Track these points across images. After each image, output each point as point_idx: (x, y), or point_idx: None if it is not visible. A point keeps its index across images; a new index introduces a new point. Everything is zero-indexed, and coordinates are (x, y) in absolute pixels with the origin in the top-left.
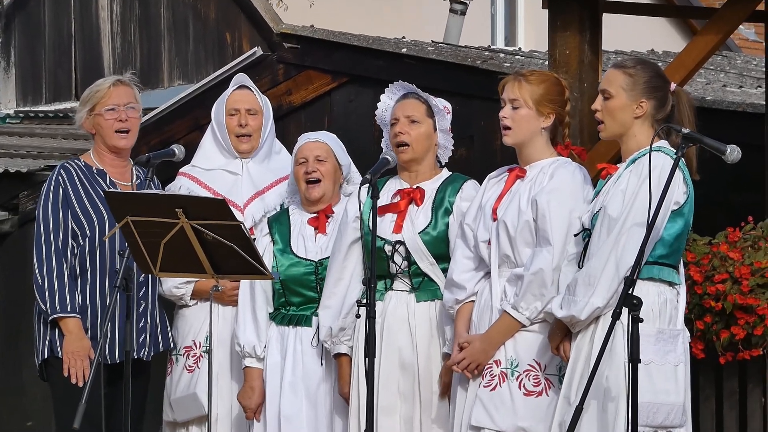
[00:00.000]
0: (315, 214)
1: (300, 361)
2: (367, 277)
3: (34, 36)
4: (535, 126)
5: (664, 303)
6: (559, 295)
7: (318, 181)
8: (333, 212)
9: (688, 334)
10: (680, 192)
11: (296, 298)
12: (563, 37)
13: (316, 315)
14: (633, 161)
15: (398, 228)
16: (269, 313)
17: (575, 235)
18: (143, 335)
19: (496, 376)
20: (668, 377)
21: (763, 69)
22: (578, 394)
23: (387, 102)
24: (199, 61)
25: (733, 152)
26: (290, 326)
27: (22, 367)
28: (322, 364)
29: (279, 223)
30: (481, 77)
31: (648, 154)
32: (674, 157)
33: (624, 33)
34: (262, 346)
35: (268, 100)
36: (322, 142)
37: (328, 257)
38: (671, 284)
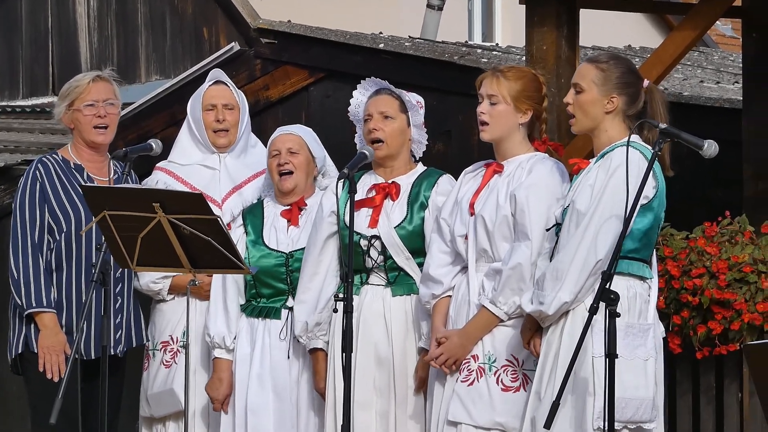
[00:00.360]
0: (288, 207)
1: (268, 354)
2: (345, 272)
3: (11, 31)
4: (512, 122)
5: (634, 297)
6: (529, 290)
7: (290, 173)
8: (306, 205)
9: (662, 328)
10: (649, 186)
11: (266, 290)
12: (540, 32)
13: (286, 308)
14: (602, 156)
15: (374, 222)
16: (240, 305)
17: (547, 230)
18: (119, 331)
19: (473, 371)
20: (637, 372)
21: (740, 65)
22: (548, 389)
23: (360, 98)
24: (177, 56)
25: (710, 147)
26: (260, 318)
27: (1, 360)
28: (289, 357)
29: (253, 215)
30: (459, 73)
31: (616, 150)
32: (642, 151)
33: (601, 29)
34: (232, 338)
35: (243, 95)
36: (296, 134)
37: (300, 249)
38: (642, 278)
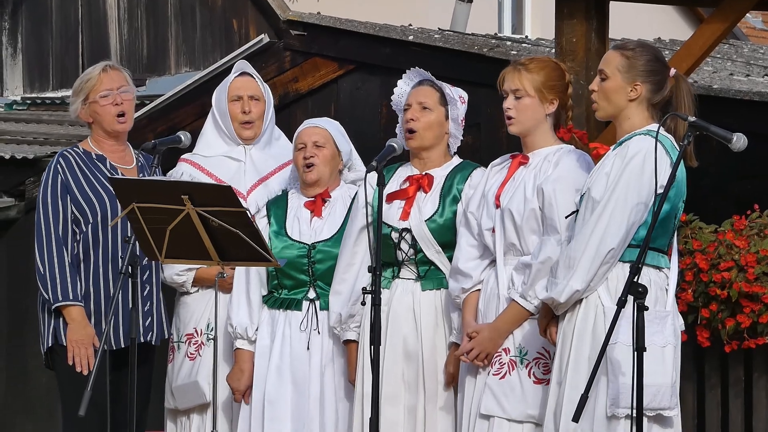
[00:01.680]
0: (312, 198)
1: (288, 345)
2: (372, 265)
3: (41, 22)
4: (539, 113)
5: (648, 285)
6: (545, 278)
7: (314, 165)
8: (330, 197)
9: (680, 320)
10: (665, 176)
11: (288, 281)
12: (570, 24)
13: (307, 299)
14: (620, 144)
15: (405, 215)
16: (263, 296)
17: (566, 217)
18: (149, 318)
19: (505, 364)
20: (655, 358)
21: None
22: (566, 379)
23: (403, 88)
24: (206, 48)
25: (739, 140)
26: (281, 310)
27: (27, 354)
28: (308, 348)
29: (277, 206)
30: (488, 65)
31: (634, 138)
32: (661, 140)
33: (631, 21)
34: (254, 329)
35: (268, 86)
36: (322, 127)
37: (322, 241)
38: (657, 268)
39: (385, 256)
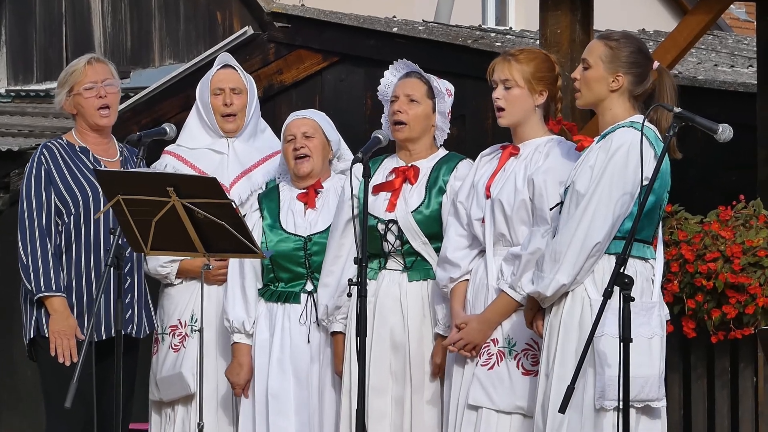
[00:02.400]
0: (304, 190)
1: (288, 338)
2: (358, 256)
3: (25, 15)
4: (529, 104)
5: (634, 276)
6: (530, 271)
7: (306, 156)
8: (322, 187)
9: (666, 310)
10: (649, 168)
11: (285, 274)
12: (554, 16)
13: (305, 292)
14: (604, 136)
15: (392, 207)
16: (258, 289)
17: (551, 209)
18: (129, 311)
19: (493, 355)
20: (641, 350)
21: (755, 48)
22: (553, 371)
23: (390, 79)
24: (190, 41)
25: (724, 131)
26: (279, 303)
27: (13, 345)
28: (308, 341)
29: (269, 199)
30: (473, 56)
31: (617, 131)
32: (645, 132)
33: (615, 12)
34: (251, 322)
35: (252, 78)
36: (310, 118)
37: (317, 233)
38: (643, 259)
39: (372, 248)
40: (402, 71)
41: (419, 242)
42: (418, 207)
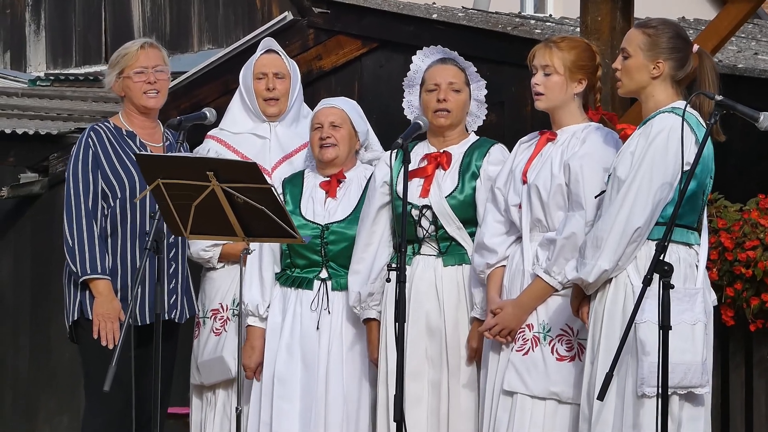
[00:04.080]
0: (327, 178)
1: (299, 324)
2: (398, 242)
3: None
4: (567, 92)
5: (677, 262)
6: (570, 258)
7: (333, 145)
8: (345, 177)
9: (713, 296)
10: (690, 153)
11: (301, 261)
12: (595, 3)
13: (319, 279)
14: (644, 123)
15: (425, 192)
16: (276, 273)
17: (596, 197)
18: (174, 296)
19: (528, 340)
20: (684, 336)
21: None
22: (597, 358)
23: (419, 64)
24: (229, 26)
25: (766, 119)
26: (292, 288)
27: (50, 327)
28: (318, 328)
29: (292, 184)
30: (512, 44)
31: (657, 116)
32: (686, 118)
33: (655, 0)
34: (266, 306)
35: (296, 63)
36: (338, 108)
37: (335, 222)
38: (687, 244)
39: (406, 233)
40: (432, 57)
41: (454, 227)
42: (452, 192)
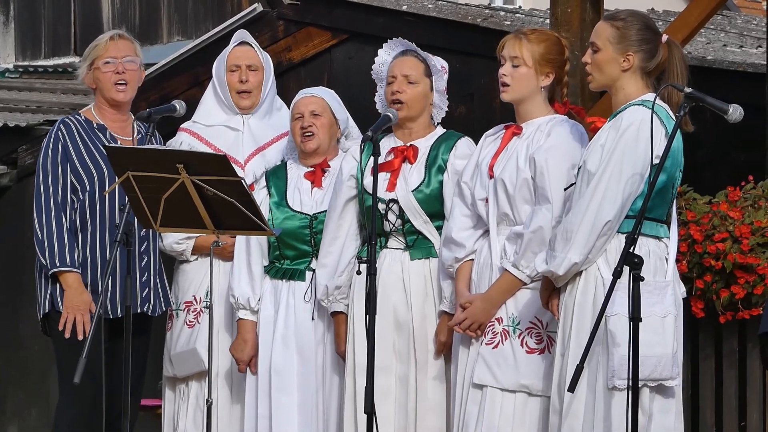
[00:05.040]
0: (311, 168)
1: (293, 315)
2: (367, 234)
3: None
4: (533, 84)
5: (647, 255)
6: (538, 251)
7: (313, 135)
8: (329, 166)
9: (682, 288)
10: (660, 146)
11: (290, 252)
12: None
13: (310, 269)
14: (615, 116)
15: (392, 186)
16: (264, 266)
17: (565, 189)
18: (146, 289)
19: (498, 333)
20: (654, 329)
21: (764, 29)
22: (568, 350)
23: (384, 57)
24: (199, 17)
25: (735, 112)
26: (284, 280)
27: (20, 320)
28: (313, 318)
29: (276, 176)
30: (482, 35)
31: (627, 109)
32: (656, 110)
33: None
34: (257, 299)
35: (269, 56)
36: (318, 96)
37: (324, 211)
38: (656, 237)
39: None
40: (396, 50)
41: (420, 221)
42: (419, 186)
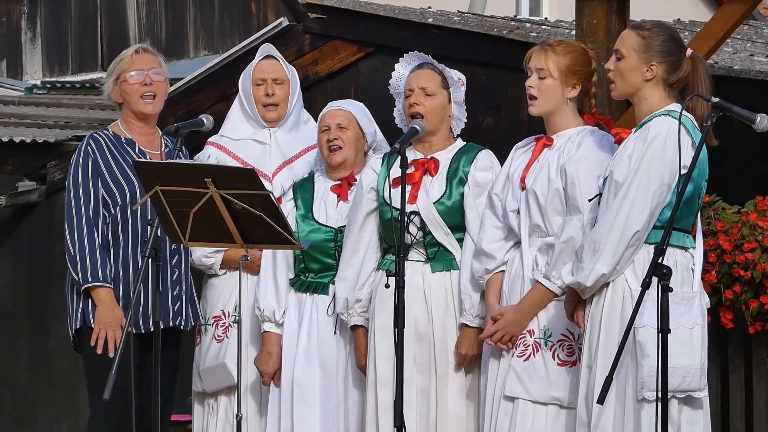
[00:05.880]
0: (338, 182)
1: (315, 329)
2: (395, 247)
3: (60, 6)
4: (560, 96)
5: (674, 265)
6: (568, 262)
7: (339, 148)
8: (356, 180)
9: (707, 299)
10: (687, 156)
11: (315, 265)
12: (591, 6)
13: (333, 283)
14: (641, 126)
15: (413, 198)
16: (289, 279)
17: (590, 200)
18: (178, 303)
19: (529, 346)
20: (682, 340)
21: None
22: (596, 362)
23: (401, 72)
24: (225, 32)
25: (763, 121)
26: (308, 293)
27: (49, 334)
28: (335, 332)
29: (303, 189)
30: (508, 47)
31: (654, 119)
32: (682, 121)
33: (651, 2)
34: (282, 312)
35: (294, 69)
36: (345, 110)
37: None
38: (683, 248)
39: (393, 239)
40: (413, 63)
41: (442, 233)
42: (440, 198)
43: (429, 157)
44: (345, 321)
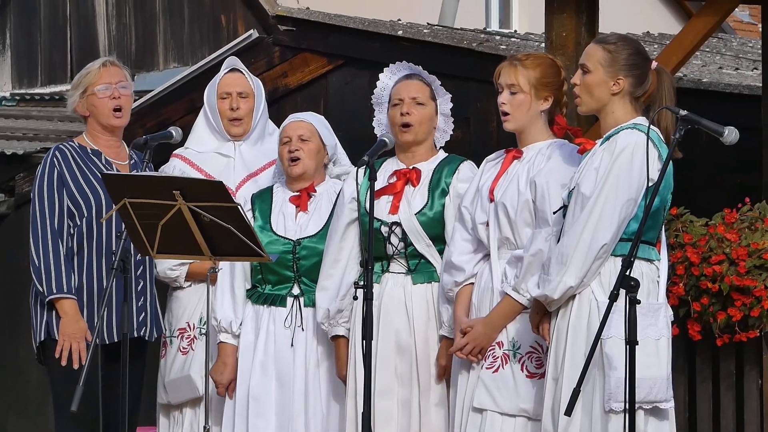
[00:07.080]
0: (297, 193)
1: (272, 342)
2: (365, 259)
3: (30, 18)
4: (533, 110)
5: (640, 277)
6: (536, 274)
7: (300, 159)
8: (315, 191)
9: (671, 311)
10: (654, 169)
11: (272, 276)
12: (560, 18)
13: (291, 295)
14: (607, 138)
15: (395, 209)
16: (246, 290)
17: (554, 213)
18: (143, 313)
19: (498, 358)
20: (649, 351)
21: (759, 51)
22: (562, 374)
23: (386, 82)
24: (195, 44)
25: (731, 134)
26: (265, 305)
27: (19, 347)
28: (292, 345)
29: (261, 200)
30: (478, 59)
31: (621, 132)
32: (644, 132)
33: (620, 15)
34: (238, 323)
35: (260, 82)
36: (307, 122)
37: (307, 237)
38: (649, 260)
39: (375, 251)
40: (398, 74)
41: (423, 244)
42: (422, 209)
43: (411, 167)
44: (326, 331)
